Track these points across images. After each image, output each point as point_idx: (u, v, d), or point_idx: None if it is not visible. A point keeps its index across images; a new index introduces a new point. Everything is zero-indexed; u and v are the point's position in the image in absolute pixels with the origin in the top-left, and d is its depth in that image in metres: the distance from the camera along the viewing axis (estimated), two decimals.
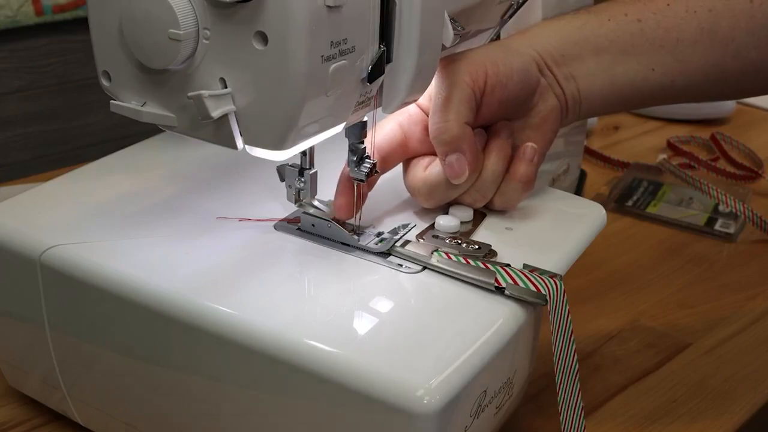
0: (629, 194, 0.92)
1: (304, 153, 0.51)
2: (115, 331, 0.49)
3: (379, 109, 0.49)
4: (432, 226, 0.54)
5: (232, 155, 0.46)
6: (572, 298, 0.49)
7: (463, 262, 0.49)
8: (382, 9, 0.45)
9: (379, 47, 0.46)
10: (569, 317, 0.47)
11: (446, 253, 0.50)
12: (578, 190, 0.85)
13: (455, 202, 0.55)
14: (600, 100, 0.58)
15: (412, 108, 0.55)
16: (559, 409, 0.48)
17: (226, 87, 0.43)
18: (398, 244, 0.51)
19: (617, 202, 0.90)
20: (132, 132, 0.73)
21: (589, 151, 1.01)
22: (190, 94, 0.42)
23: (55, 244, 0.50)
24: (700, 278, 0.78)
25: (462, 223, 0.54)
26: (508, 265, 0.48)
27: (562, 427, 0.48)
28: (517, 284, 0.47)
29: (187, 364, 0.47)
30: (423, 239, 0.52)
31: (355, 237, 0.52)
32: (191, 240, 0.51)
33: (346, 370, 0.41)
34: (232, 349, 0.44)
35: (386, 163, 0.54)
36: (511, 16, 0.61)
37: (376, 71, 0.46)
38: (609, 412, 0.60)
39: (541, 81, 0.56)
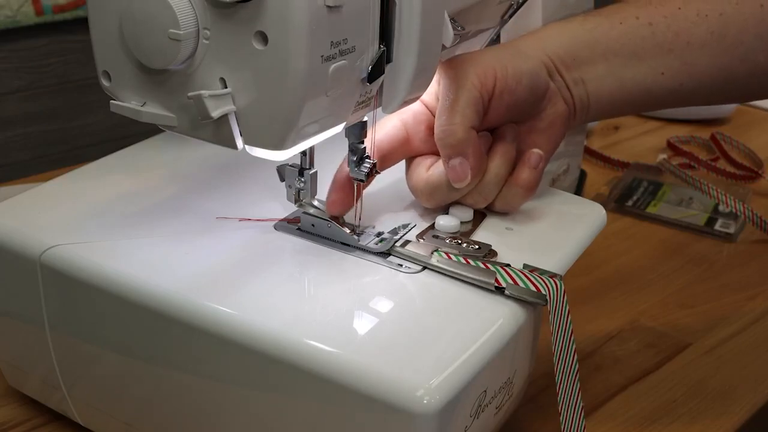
0: (629, 194, 0.92)
1: (304, 153, 0.51)
2: (115, 331, 0.49)
3: (379, 109, 0.49)
4: (432, 226, 0.54)
5: (232, 155, 0.46)
6: (572, 298, 0.49)
7: (463, 262, 0.49)
8: (382, 9, 0.45)
9: (379, 47, 0.46)
10: (569, 317, 0.47)
11: (446, 253, 0.50)
12: (578, 190, 0.85)
13: (456, 202, 0.55)
14: (608, 104, 0.58)
15: (416, 106, 0.55)
16: (559, 409, 0.48)
17: (226, 87, 0.43)
18: (398, 244, 0.51)
19: (617, 202, 0.90)
20: (132, 132, 0.73)
21: (589, 151, 1.01)
22: (190, 94, 0.42)
23: (55, 244, 0.50)
24: (700, 278, 0.78)
25: (462, 223, 0.54)
26: (508, 265, 0.48)
27: (562, 427, 0.48)
28: (517, 284, 0.47)
29: (187, 364, 0.47)
30: (423, 239, 0.52)
31: (355, 237, 0.51)
32: (191, 240, 0.51)
33: (346, 370, 0.41)
34: (232, 349, 0.44)
35: (387, 160, 0.54)
36: (511, 16, 0.61)
37: (376, 71, 0.46)
38: (609, 412, 0.60)
39: (550, 85, 0.56)
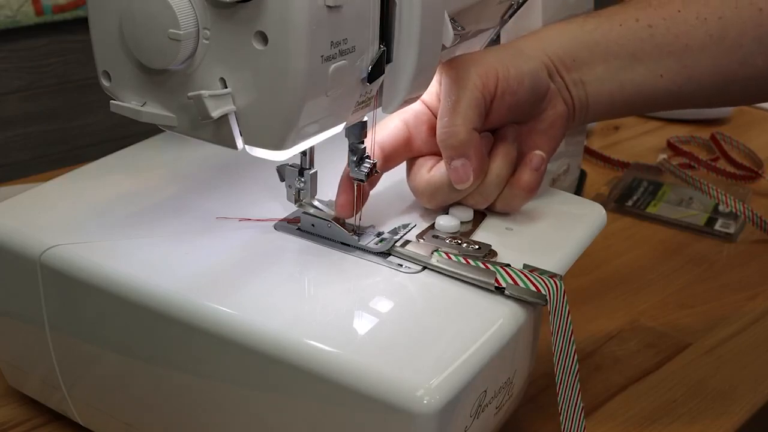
0: (629, 194, 0.92)
1: (304, 153, 0.51)
2: (115, 331, 0.49)
3: (379, 109, 0.49)
4: (432, 226, 0.54)
5: (232, 155, 0.46)
6: (572, 298, 0.49)
7: (463, 262, 0.49)
8: (382, 9, 0.45)
9: (379, 47, 0.46)
10: (569, 317, 0.47)
11: (446, 253, 0.50)
12: (578, 190, 0.85)
13: (456, 203, 0.55)
14: (607, 105, 0.58)
15: (417, 106, 0.55)
16: (559, 409, 0.48)
17: (226, 87, 0.43)
18: (398, 244, 0.51)
19: (617, 202, 0.90)
20: (132, 132, 0.73)
21: (589, 151, 1.01)
22: (190, 94, 0.42)
23: (55, 244, 0.50)
24: (700, 278, 0.78)
25: (462, 223, 0.54)
26: (508, 265, 0.48)
27: (562, 427, 0.48)
28: (517, 284, 0.47)
29: (187, 364, 0.47)
30: (423, 239, 0.52)
31: (355, 237, 0.51)
32: (191, 240, 0.51)
33: (346, 370, 0.41)
34: (232, 349, 0.44)
35: (389, 161, 0.54)
36: (511, 16, 0.61)
37: (376, 71, 0.46)
38: (609, 412, 0.60)
39: (550, 86, 0.56)
